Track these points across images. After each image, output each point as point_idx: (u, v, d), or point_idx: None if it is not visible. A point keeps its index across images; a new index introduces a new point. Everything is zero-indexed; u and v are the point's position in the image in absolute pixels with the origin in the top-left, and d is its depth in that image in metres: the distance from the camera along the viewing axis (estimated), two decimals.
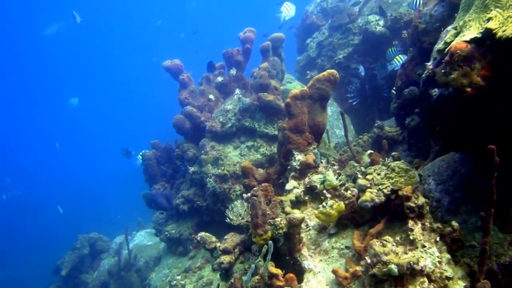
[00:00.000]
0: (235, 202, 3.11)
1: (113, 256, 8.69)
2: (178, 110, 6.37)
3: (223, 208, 5.28)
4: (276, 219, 2.97)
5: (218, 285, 3.34)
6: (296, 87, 6.64)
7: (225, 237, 3.48)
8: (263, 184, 3.10)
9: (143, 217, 10.54)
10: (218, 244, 3.40)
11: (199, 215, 5.72)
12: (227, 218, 3.00)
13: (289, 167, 3.63)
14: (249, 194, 3.47)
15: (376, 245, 2.46)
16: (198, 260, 5.29)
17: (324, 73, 3.52)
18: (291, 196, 3.26)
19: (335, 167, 3.51)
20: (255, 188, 3.11)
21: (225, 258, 3.25)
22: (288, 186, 3.38)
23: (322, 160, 3.73)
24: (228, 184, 5.27)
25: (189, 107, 5.94)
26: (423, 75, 2.82)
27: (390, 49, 5.44)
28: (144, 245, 8.11)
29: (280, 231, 2.92)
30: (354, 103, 6.31)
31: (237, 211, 3.01)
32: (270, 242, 2.67)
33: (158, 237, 6.25)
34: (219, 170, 5.32)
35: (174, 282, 4.99)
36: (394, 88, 4.68)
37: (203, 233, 3.46)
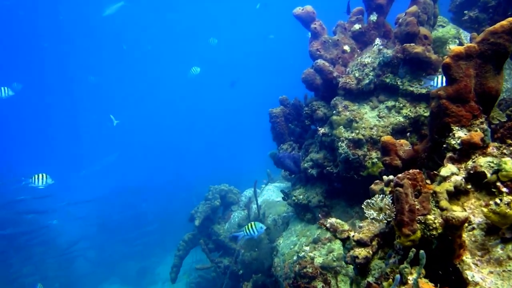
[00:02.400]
0: (373, 199, 2.53)
1: (243, 209, 8.92)
2: (309, 63, 5.82)
3: (356, 177, 4.75)
4: (428, 216, 2.35)
5: (352, 281, 2.91)
6: (449, 32, 5.46)
7: (360, 224, 2.98)
8: (411, 171, 2.45)
9: (272, 169, 10.59)
10: (352, 234, 2.92)
11: (329, 182, 5.27)
12: (366, 213, 2.47)
13: (444, 146, 2.87)
14: (391, 177, 2.87)
15: None
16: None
17: (503, 22, 2.57)
18: (448, 185, 2.56)
19: None
20: (400, 176, 2.47)
21: (361, 252, 2.76)
22: (444, 172, 2.66)
23: (486, 126, 2.89)
24: (363, 150, 4.67)
25: (320, 61, 5.34)
26: None
27: None
28: (272, 201, 8.07)
29: (434, 232, 2.30)
30: None
31: (377, 204, 2.46)
32: (422, 252, 2.09)
33: (286, 201, 6.04)
34: (353, 134, 4.73)
35: (303, 253, 4.73)
36: None
37: (333, 220, 3.02)
